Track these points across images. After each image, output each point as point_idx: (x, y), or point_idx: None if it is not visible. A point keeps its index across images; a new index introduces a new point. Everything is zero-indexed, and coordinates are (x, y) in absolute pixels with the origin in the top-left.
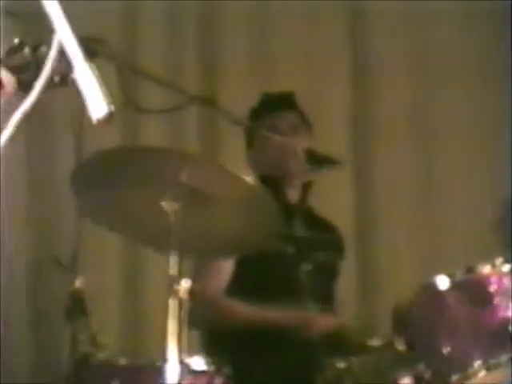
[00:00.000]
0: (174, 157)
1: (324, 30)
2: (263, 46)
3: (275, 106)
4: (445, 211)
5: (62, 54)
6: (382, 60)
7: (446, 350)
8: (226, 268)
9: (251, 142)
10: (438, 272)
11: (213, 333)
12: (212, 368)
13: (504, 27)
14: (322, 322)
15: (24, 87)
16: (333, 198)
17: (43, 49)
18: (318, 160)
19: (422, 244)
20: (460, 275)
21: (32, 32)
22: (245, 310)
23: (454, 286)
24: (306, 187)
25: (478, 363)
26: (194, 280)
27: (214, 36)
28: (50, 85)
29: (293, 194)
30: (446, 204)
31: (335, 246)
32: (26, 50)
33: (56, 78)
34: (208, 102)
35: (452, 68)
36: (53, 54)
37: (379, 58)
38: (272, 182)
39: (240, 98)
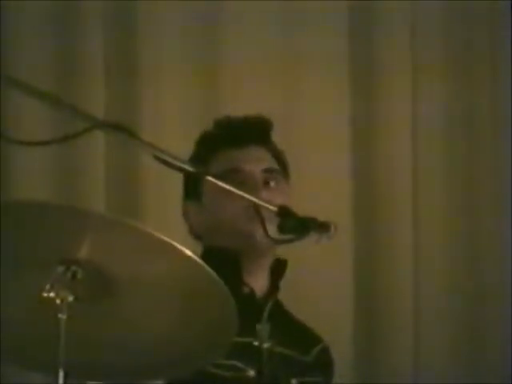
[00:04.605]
0: (68, 218)
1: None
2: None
3: (244, 136)
4: None
5: None
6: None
7: None
8: None
9: (194, 191)
10: None
11: None
12: None
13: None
14: None
15: None
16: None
17: None
18: (296, 225)
19: None
20: None
21: None
22: None
23: None
24: (278, 269)
25: None
26: None
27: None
28: None
29: (259, 280)
30: None
31: (319, 368)
32: None
33: None
34: (120, 129)
35: (452, 67)
36: None
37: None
38: (227, 258)
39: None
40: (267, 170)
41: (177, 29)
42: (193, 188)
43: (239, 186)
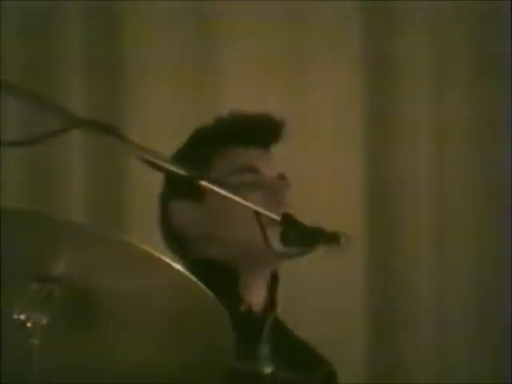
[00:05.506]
0: (42, 227)
1: None
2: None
3: (258, 134)
4: None
5: None
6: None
7: None
8: None
9: (189, 192)
10: None
11: None
12: None
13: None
14: None
15: None
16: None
17: None
18: (301, 235)
19: None
20: None
21: None
22: None
23: None
24: (275, 281)
25: None
26: None
27: None
28: None
29: (255, 295)
30: None
31: None
32: None
33: None
34: (102, 127)
35: (458, 68)
36: None
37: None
38: (221, 270)
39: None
40: (281, 176)
41: (165, 26)
42: (187, 189)
43: (254, 186)
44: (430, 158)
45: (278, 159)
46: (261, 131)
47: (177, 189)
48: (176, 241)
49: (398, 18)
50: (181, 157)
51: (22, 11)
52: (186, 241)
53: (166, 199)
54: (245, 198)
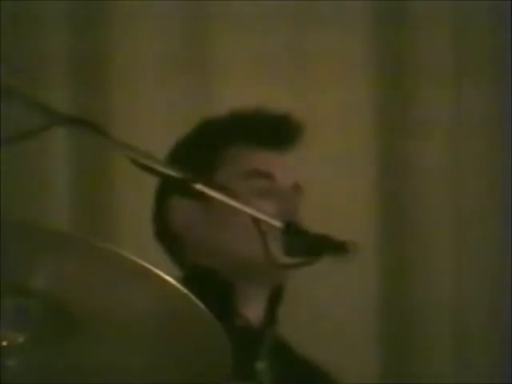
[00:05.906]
0: (20, 236)
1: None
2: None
3: (275, 136)
4: None
5: None
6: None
7: None
8: None
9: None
10: None
11: None
12: None
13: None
14: None
15: None
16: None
17: None
18: (305, 245)
19: None
20: None
21: None
22: None
23: None
24: (276, 295)
25: None
26: None
27: None
28: None
29: (253, 309)
30: None
31: None
32: None
33: None
34: (86, 125)
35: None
36: None
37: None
38: (217, 281)
39: None
40: (296, 186)
41: (157, 23)
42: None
43: (266, 194)
44: (446, 163)
45: (295, 165)
46: (281, 132)
47: (177, 184)
48: (171, 241)
49: (408, 17)
50: (182, 151)
51: (7, 9)
52: (182, 243)
53: (164, 194)
54: (252, 206)
